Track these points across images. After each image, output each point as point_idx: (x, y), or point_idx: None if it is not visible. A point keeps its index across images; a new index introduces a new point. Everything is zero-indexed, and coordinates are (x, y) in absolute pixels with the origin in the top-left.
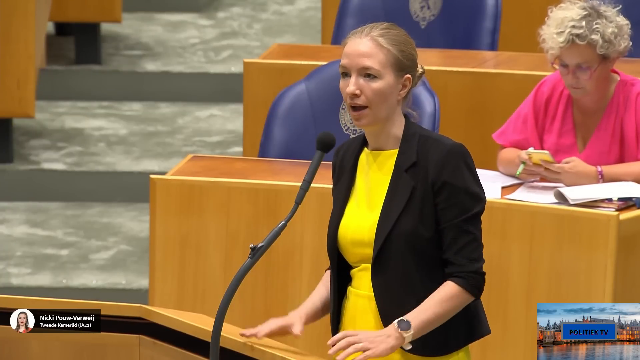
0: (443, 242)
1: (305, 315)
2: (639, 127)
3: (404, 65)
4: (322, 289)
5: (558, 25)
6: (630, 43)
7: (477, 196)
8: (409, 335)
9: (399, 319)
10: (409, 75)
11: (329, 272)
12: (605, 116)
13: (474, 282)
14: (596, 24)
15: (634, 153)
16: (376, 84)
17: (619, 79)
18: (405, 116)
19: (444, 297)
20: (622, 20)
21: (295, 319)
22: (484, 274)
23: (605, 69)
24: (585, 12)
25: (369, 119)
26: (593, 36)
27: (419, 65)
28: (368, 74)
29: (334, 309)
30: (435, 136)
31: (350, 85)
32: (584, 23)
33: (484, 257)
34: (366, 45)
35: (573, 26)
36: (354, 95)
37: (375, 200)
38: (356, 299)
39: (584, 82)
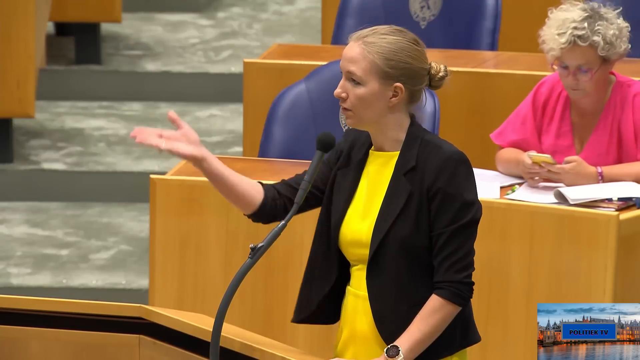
0: (433, 249)
1: (207, 160)
2: (637, 128)
3: (390, 75)
4: (239, 178)
5: (559, 27)
6: (629, 45)
7: (471, 206)
8: None
9: (388, 346)
10: (399, 84)
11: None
12: (603, 118)
13: (457, 292)
14: (598, 25)
15: (632, 153)
16: (359, 90)
17: (615, 80)
18: (412, 118)
19: (428, 313)
20: (622, 23)
21: (200, 151)
22: (470, 283)
23: (605, 71)
24: (587, 14)
25: (354, 121)
26: (595, 37)
27: (437, 68)
28: (352, 79)
29: (332, 307)
30: (437, 142)
31: (338, 88)
32: (585, 24)
33: (484, 257)
34: (354, 51)
35: (575, 27)
36: (341, 97)
37: (374, 201)
38: (354, 299)
39: (584, 84)
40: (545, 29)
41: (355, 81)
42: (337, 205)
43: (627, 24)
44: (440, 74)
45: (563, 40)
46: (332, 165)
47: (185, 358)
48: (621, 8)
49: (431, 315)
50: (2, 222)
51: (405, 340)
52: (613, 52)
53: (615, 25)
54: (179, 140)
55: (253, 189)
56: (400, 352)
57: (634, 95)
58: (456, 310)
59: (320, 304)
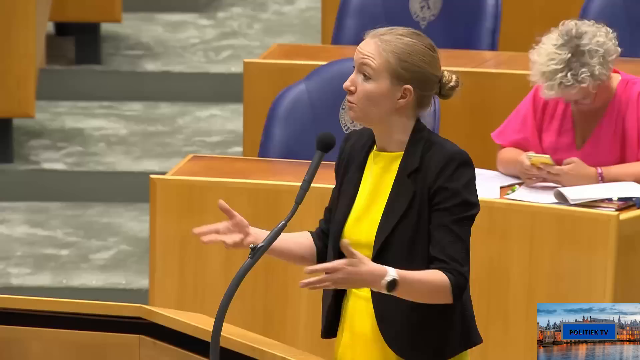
0: (430, 241)
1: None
2: None
3: (402, 76)
4: (296, 243)
5: (544, 77)
6: (619, 50)
7: (470, 203)
8: (390, 277)
9: (389, 279)
10: (408, 87)
11: (307, 232)
12: (607, 115)
13: (458, 282)
14: (582, 72)
15: (635, 152)
16: (368, 86)
17: (620, 78)
18: (417, 120)
19: (434, 280)
20: (604, 36)
21: (253, 237)
22: (467, 278)
23: (603, 86)
24: (568, 55)
25: (357, 115)
26: (583, 84)
27: (449, 77)
28: (364, 73)
29: (332, 307)
30: (440, 142)
31: (347, 81)
32: (569, 75)
33: (484, 257)
34: (370, 47)
35: (561, 77)
36: (349, 90)
37: (377, 202)
38: (355, 300)
39: (587, 106)
40: (532, 74)
41: (366, 76)
42: (341, 207)
43: (609, 32)
44: (451, 84)
45: (553, 92)
46: (339, 174)
47: (185, 358)
48: (593, 22)
49: (435, 284)
50: (2, 222)
51: (402, 272)
52: (605, 76)
53: (598, 53)
54: (231, 232)
55: (306, 247)
56: (397, 285)
57: (638, 94)
58: (448, 299)
59: (329, 305)
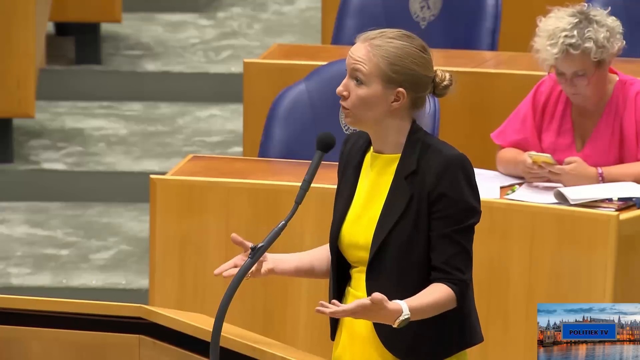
0: (432, 250)
1: (280, 269)
2: (638, 127)
3: (393, 79)
4: (311, 256)
5: (550, 36)
6: (624, 42)
7: (473, 209)
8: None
9: (403, 318)
10: (401, 89)
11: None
12: (605, 116)
13: (462, 290)
14: (588, 31)
15: (634, 153)
16: (361, 91)
17: (617, 78)
18: (413, 121)
19: (440, 298)
20: (613, 22)
21: (271, 262)
22: (469, 283)
23: (602, 72)
24: (576, 20)
25: (351, 120)
26: (587, 44)
27: (442, 76)
28: (356, 78)
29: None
30: (438, 145)
31: (340, 86)
32: (575, 32)
33: (484, 257)
34: (361, 52)
35: (565, 36)
36: (342, 96)
37: (374, 204)
38: (353, 300)
39: (583, 89)
40: (537, 39)
41: (358, 81)
42: (338, 208)
43: (618, 22)
44: (445, 83)
45: (555, 50)
46: (339, 176)
47: (185, 358)
48: (610, 8)
49: (441, 299)
50: (2, 222)
51: (413, 307)
52: (607, 54)
53: (605, 27)
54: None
55: (328, 262)
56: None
57: (636, 94)
58: (453, 307)
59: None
